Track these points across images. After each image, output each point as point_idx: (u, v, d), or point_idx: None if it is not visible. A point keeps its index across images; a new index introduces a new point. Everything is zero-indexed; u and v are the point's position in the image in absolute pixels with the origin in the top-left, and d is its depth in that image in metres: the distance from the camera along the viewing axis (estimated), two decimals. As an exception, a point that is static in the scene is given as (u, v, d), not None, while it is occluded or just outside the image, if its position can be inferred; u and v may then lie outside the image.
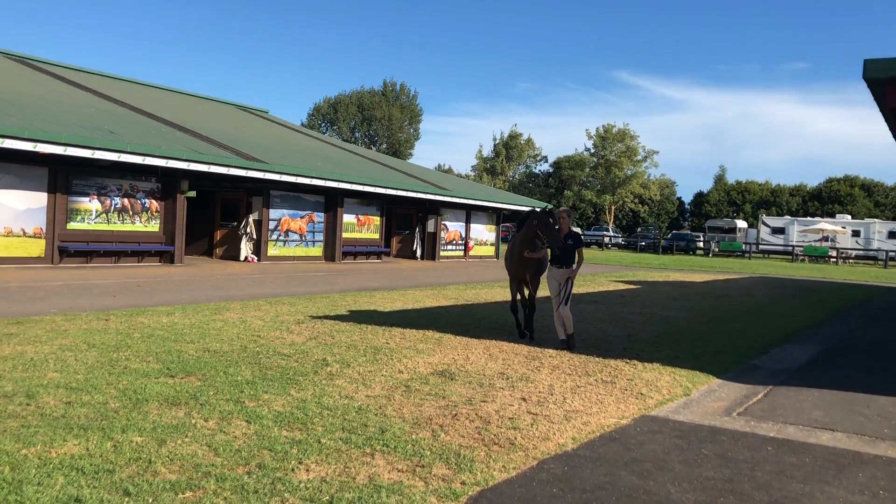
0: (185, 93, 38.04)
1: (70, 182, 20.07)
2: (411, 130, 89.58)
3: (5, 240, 18.66)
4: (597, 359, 9.66)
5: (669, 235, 71.04)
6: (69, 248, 19.95)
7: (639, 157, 79.56)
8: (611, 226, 77.95)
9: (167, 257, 22.57)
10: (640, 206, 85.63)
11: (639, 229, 79.55)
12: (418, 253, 35.27)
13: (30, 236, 19.16)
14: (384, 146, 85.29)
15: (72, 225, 20.14)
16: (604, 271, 32.08)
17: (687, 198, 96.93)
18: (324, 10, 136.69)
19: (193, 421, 5.88)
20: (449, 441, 5.74)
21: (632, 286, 23.94)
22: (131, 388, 6.77)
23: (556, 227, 10.21)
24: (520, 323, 11.06)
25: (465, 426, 6.18)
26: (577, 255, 10.26)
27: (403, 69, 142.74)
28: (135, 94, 30.38)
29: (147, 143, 20.18)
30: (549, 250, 10.41)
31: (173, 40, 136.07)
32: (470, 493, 4.75)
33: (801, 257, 57.46)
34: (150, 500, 4.28)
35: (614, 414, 6.90)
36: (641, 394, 7.77)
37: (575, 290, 20.36)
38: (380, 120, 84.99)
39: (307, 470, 4.93)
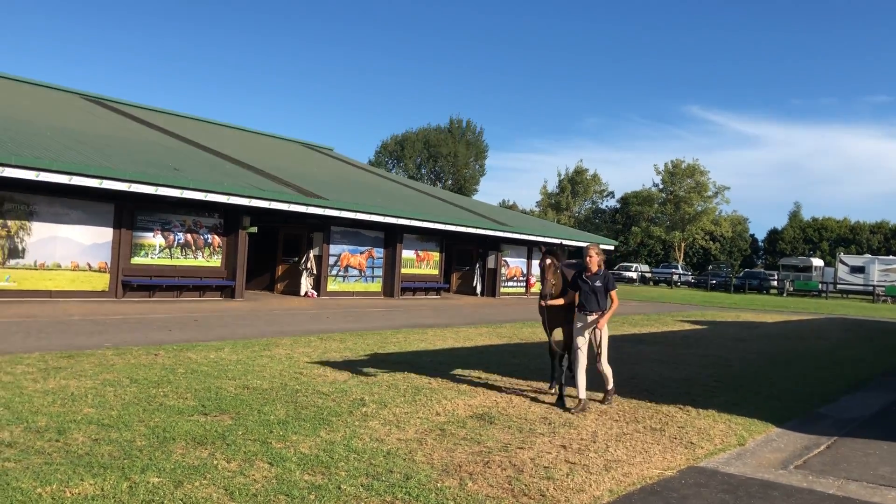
0: (250, 131, 39.02)
1: (135, 218, 20.62)
2: (476, 167, 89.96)
3: (72, 273, 19.23)
4: (648, 404, 9.21)
5: (742, 274, 68.98)
6: (132, 283, 20.42)
7: (709, 193, 77.81)
8: (680, 263, 76.19)
9: (228, 292, 22.90)
10: (710, 243, 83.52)
11: (710, 267, 77.54)
12: (478, 289, 35.00)
13: (95, 270, 19.71)
14: (450, 182, 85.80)
15: (136, 259, 20.64)
16: (670, 310, 31.18)
17: (760, 235, 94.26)
18: (391, 50, 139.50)
19: (216, 462, 5.74)
20: (476, 491, 5.44)
21: (698, 326, 23.12)
22: (161, 426, 6.69)
23: (562, 266, 8.97)
24: (554, 369, 9.61)
25: (495, 474, 5.87)
26: (608, 300, 8.73)
27: (470, 106, 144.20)
28: (201, 132, 31.28)
29: (209, 180, 20.62)
30: (577, 294, 8.81)
31: (243, 80, 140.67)
32: (489, 550, 4.44)
33: (883, 297, 54.86)
34: (152, 548, 4.12)
35: (659, 464, 6.48)
36: (692, 443, 7.31)
37: (636, 330, 19.88)
38: (445, 157, 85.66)
39: (321, 518, 4.71)
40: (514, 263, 36.68)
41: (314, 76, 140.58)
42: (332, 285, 26.82)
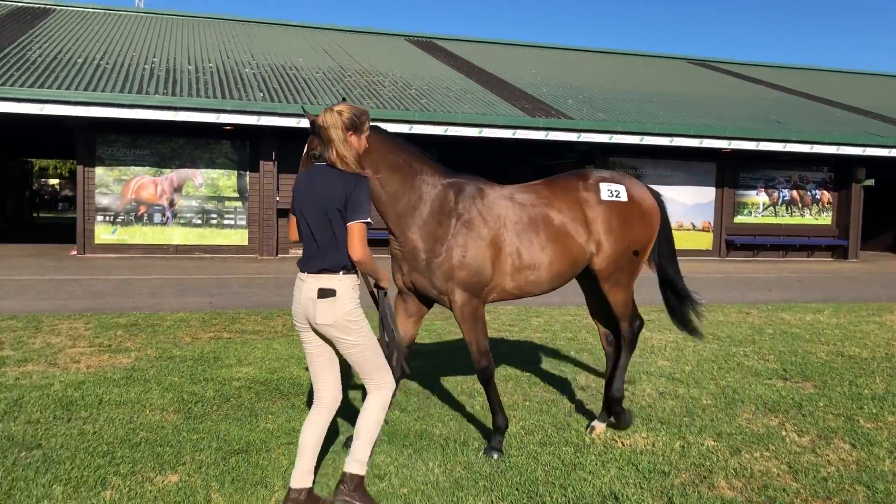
0: (860, 72, 34.55)
1: (737, 176, 20.23)
2: None
3: (676, 233, 19.83)
4: None
5: None
6: (735, 242, 20.14)
7: None
8: None
9: (840, 252, 20.82)
10: None
11: None
12: None
13: (698, 230, 20.00)
14: None
15: (738, 219, 20.29)
16: None
17: None
18: None
19: (785, 433, 5.01)
20: None
21: None
22: (732, 387, 6.21)
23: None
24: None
25: None
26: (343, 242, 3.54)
27: None
28: (798, 79, 28.94)
29: (815, 130, 18.97)
30: None
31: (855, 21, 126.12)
32: None
33: None
34: (690, 516, 3.71)
35: None
36: None
37: None
38: None
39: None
40: None
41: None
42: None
